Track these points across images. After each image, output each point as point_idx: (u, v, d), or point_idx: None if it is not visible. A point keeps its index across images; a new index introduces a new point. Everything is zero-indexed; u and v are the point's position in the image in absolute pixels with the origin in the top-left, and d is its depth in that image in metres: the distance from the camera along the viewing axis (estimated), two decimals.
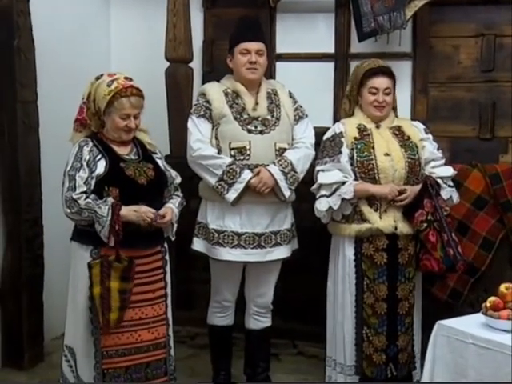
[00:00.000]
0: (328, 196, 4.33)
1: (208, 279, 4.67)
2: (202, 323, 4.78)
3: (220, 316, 4.65)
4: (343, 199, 4.28)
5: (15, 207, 4.93)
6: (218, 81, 4.59)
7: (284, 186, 4.34)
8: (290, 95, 4.59)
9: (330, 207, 4.32)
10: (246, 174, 4.27)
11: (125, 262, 3.83)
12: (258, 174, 4.29)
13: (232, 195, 4.27)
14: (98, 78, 4.02)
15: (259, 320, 4.65)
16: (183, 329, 5.36)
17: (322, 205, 4.36)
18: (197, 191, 4.56)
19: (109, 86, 3.94)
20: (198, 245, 4.52)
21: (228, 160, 4.28)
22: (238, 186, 4.26)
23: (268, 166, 4.33)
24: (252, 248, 4.39)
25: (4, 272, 4.99)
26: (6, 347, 5.04)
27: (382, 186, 4.28)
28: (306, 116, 4.58)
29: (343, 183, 4.29)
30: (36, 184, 4.99)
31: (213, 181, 4.29)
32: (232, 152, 4.33)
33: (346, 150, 4.35)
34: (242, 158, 4.32)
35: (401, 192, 4.27)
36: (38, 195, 5.02)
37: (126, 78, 4.01)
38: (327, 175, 4.36)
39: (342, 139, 4.37)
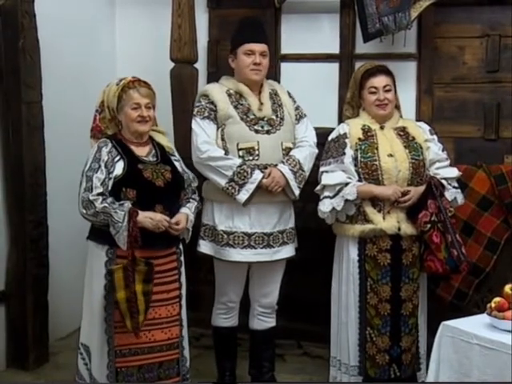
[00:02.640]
0: (331, 197, 4.36)
1: (214, 280, 4.67)
2: (207, 324, 4.79)
3: (225, 317, 4.65)
4: (346, 200, 4.30)
5: (20, 208, 4.94)
6: (217, 82, 4.60)
7: (294, 184, 4.37)
8: (290, 95, 4.61)
9: (334, 208, 4.35)
10: (257, 175, 4.28)
11: (142, 264, 3.85)
12: (269, 174, 4.29)
13: (243, 196, 4.28)
14: (107, 86, 4.12)
15: (264, 320, 4.65)
16: (188, 330, 5.36)
17: (325, 206, 4.39)
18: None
19: (117, 84, 4.05)
20: (205, 247, 4.51)
21: (238, 161, 4.28)
22: (250, 187, 4.26)
23: (276, 165, 4.34)
24: (261, 248, 4.40)
25: (9, 272, 5.00)
26: (10, 348, 5.05)
27: (386, 187, 4.29)
28: (305, 115, 4.60)
29: (346, 184, 4.31)
30: (41, 184, 5.00)
31: (223, 182, 4.28)
32: (240, 152, 4.33)
33: (349, 151, 4.36)
34: (250, 158, 4.32)
35: (404, 193, 4.28)
36: (43, 196, 5.03)
37: (133, 77, 4.10)
38: (331, 176, 4.38)
39: (346, 140, 4.40)
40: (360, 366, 4.42)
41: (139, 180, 3.98)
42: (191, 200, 4.26)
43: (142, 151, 4.10)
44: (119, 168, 3.96)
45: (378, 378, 4.38)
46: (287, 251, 4.49)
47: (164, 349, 4.10)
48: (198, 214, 4.49)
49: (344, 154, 4.37)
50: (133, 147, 4.08)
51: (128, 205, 3.86)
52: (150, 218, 3.90)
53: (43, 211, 5.03)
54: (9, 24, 4.79)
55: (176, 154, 4.28)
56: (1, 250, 4.97)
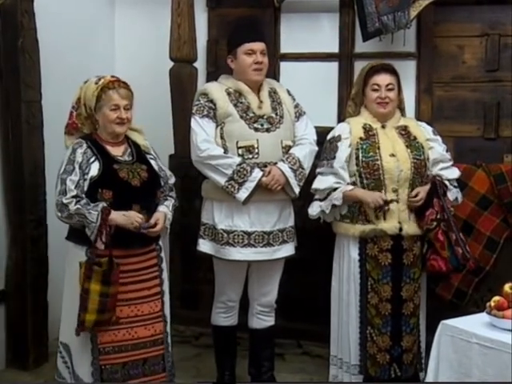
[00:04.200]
0: (321, 200, 4.41)
1: (213, 279, 4.66)
2: (206, 323, 4.78)
3: (224, 317, 4.64)
4: (334, 204, 4.35)
5: (19, 207, 4.93)
6: (215, 81, 4.60)
7: (294, 182, 4.36)
8: (289, 93, 4.61)
9: (323, 210, 4.40)
10: (257, 173, 4.27)
11: (105, 267, 3.85)
12: (268, 172, 4.29)
13: (243, 194, 4.27)
14: (85, 82, 4.10)
15: (263, 319, 4.64)
16: (188, 329, 5.37)
17: (313, 209, 4.47)
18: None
19: (96, 83, 4.02)
20: (205, 246, 4.50)
21: (238, 159, 4.27)
22: (250, 185, 4.25)
23: (276, 163, 4.33)
24: (261, 246, 4.39)
25: (9, 272, 5.00)
26: (10, 347, 5.05)
27: (369, 192, 4.31)
28: (305, 113, 4.60)
29: (335, 189, 4.34)
30: (40, 184, 4.99)
31: (222, 180, 4.27)
32: (240, 151, 4.32)
33: (341, 155, 4.38)
34: (250, 156, 4.31)
35: (415, 195, 4.30)
36: (42, 195, 5.01)
37: (112, 76, 4.08)
38: (321, 180, 4.44)
39: (338, 143, 4.41)
40: (361, 365, 4.43)
41: (115, 180, 3.96)
42: (168, 198, 4.25)
43: (117, 151, 4.09)
44: (95, 169, 3.95)
45: (378, 377, 4.39)
46: (287, 250, 4.49)
47: (148, 345, 4.10)
48: (198, 212, 4.49)
49: (334, 157, 4.39)
50: (108, 147, 4.06)
51: (102, 204, 3.86)
52: (123, 215, 3.90)
53: (43, 211, 5.02)
54: (8, 23, 4.79)
55: (152, 152, 4.25)
56: (0, 250, 4.98)
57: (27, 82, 4.86)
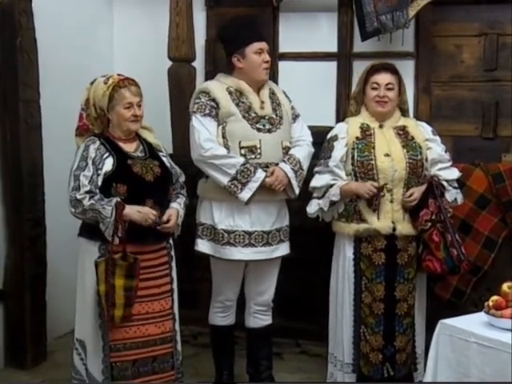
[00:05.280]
0: (319, 198, 4.42)
1: (211, 278, 4.66)
2: (204, 322, 4.77)
3: (222, 316, 4.64)
4: (332, 201, 4.35)
5: (18, 207, 4.93)
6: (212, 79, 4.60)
7: (295, 183, 4.38)
8: (285, 94, 4.61)
9: (321, 208, 4.41)
10: (260, 173, 4.26)
11: (131, 260, 3.87)
12: (272, 173, 4.29)
13: (246, 194, 4.26)
14: (92, 83, 4.10)
15: (260, 318, 4.64)
16: (186, 328, 5.34)
17: (311, 207, 4.48)
18: None
19: (105, 83, 4.02)
20: (203, 246, 4.48)
21: (242, 159, 4.26)
22: (253, 185, 4.24)
23: (277, 164, 4.34)
24: (261, 246, 4.39)
25: (7, 271, 5.01)
26: (8, 346, 5.06)
27: (361, 183, 4.31)
28: (299, 114, 4.60)
29: (332, 186, 4.35)
30: (39, 184, 5.00)
31: (225, 180, 4.25)
32: (242, 151, 4.30)
33: (337, 154, 4.38)
34: (253, 156, 4.30)
35: (409, 195, 4.29)
36: (41, 195, 5.02)
37: (119, 75, 4.09)
38: (318, 178, 4.45)
39: (335, 143, 4.42)
40: (354, 363, 4.44)
41: (129, 175, 3.98)
42: (180, 195, 4.28)
43: (130, 147, 4.10)
44: (109, 164, 3.96)
45: (371, 376, 4.40)
46: (284, 249, 4.50)
47: (158, 343, 4.12)
48: (193, 213, 4.49)
49: (330, 157, 4.40)
50: (121, 144, 4.08)
51: (116, 199, 3.87)
52: (137, 211, 3.91)
53: (41, 210, 5.03)
54: (6, 22, 4.79)
55: (163, 149, 4.28)
56: None
57: (25, 82, 4.86)
